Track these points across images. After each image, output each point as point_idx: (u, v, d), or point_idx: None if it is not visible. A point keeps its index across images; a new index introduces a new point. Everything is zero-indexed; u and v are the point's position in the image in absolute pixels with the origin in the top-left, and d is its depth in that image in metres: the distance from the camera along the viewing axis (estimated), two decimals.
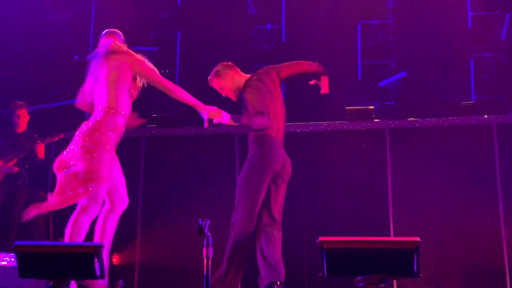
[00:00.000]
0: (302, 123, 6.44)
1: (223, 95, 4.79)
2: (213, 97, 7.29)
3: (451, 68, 7.01)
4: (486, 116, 6.24)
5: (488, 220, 6.01)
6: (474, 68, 6.94)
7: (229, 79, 4.72)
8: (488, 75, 6.94)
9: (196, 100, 4.53)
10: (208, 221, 3.74)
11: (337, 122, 6.32)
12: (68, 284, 3.41)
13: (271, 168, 4.50)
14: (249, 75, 4.78)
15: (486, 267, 5.96)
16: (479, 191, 6.08)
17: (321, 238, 3.28)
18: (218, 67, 4.79)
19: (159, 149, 6.71)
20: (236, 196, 4.58)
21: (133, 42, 7.59)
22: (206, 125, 4.44)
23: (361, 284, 3.30)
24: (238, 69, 4.83)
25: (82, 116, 7.50)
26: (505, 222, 5.92)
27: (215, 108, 4.48)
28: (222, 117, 4.43)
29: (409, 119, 6.37)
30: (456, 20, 7.11)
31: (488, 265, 5.97)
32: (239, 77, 4.74)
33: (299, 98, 6.92)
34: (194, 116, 7.07)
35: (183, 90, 4.53)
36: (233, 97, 4.75)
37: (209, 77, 4.82)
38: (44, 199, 6.33)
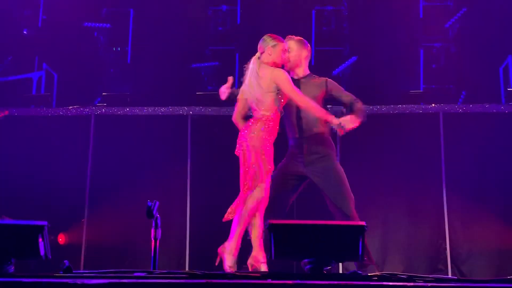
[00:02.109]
0: None
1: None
2: (168, 76, 7.22)
3: (401, 57, 7.11)
4: (433, 105, 6.41)
5: (432, 206, 6.20)
6: (424, 57, 7.06)
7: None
8: (437, 65, 7.08)
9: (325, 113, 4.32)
10: (158, 203, 3.72)
11: None
12: (11, 263, 3.34)
13: None
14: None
15: (429, 250, 6.16)
16: (424, 178, 6.26)
17: (270, 221, 3.31)
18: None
19: (110, 128, 6.62)
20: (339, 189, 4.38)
21: (84, 19, 7.44)
22: (341, 133, 4.26)
23: (307, 266, 3.35)
24: None
25: (30, 92, 7.29)
26: (448, 207, 6.12)
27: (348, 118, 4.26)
28: (354, 123, 4.23)
29: None
30: (408, 9, 7.20)
31: (431, 249, 6.17)
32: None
33: None
34: (146, 96, 7.03)
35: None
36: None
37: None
38: None
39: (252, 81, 4.30)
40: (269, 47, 4.33)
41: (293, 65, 4.53)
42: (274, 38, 4.37)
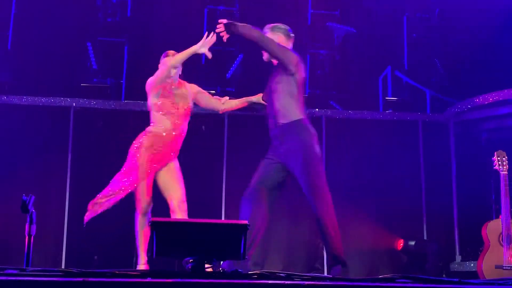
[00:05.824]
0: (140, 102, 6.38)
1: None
2: (51, 65, 6.90)
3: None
4: (317, 109, 6.67)
5: (309, 207, 6.40)
6: (310, 63, 7.29)
7: None
8: (321, 71, 7.35)
9: None
10: (33, 197, 3.55)
11: None
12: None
13: None
14: None
15: (307, 250, 6.38)
16: None
17: (152, 219, 3.27)
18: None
19: None
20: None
21: None
22: None
23: (188, 265, 3.34)
24: None
25: None
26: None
27: None
28: None
29: None
30: (297, 15, 7.41)
31: (309, 248, 6.39)
32: None
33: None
34: (27, 85, 6.67)
35: None
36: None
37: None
38: None
39: None
40: None
41: None
42: None
